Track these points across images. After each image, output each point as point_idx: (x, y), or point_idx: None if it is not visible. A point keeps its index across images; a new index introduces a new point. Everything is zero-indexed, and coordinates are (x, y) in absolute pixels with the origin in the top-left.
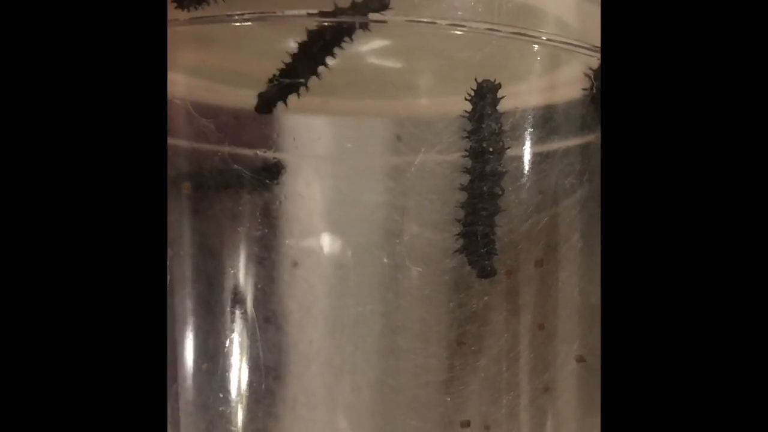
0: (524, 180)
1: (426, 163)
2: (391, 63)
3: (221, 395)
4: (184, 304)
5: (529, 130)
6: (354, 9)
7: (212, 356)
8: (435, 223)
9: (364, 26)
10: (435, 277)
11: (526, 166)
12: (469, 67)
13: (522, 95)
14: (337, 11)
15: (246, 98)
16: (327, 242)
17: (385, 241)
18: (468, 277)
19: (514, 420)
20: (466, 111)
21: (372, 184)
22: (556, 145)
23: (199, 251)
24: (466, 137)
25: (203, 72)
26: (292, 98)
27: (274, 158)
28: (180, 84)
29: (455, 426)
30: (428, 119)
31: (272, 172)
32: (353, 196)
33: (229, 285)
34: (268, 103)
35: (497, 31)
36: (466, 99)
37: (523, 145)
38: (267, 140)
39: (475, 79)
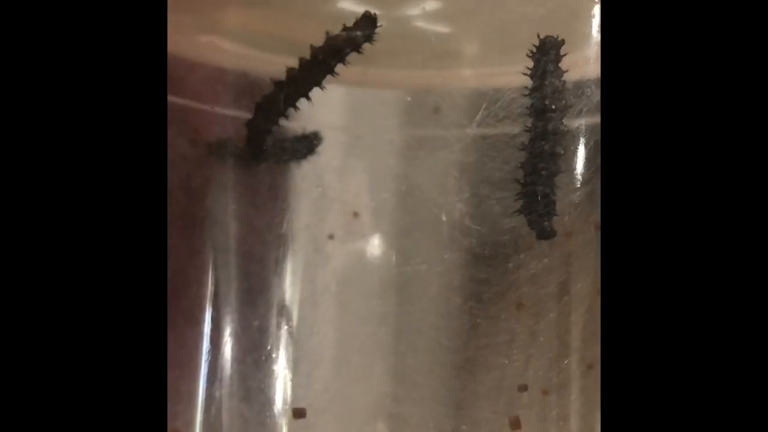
0: (585, 140)
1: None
2: (441, 27)
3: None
4: (225, 278)
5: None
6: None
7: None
8: (495, 181)
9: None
10: (494, 236)
11: (588, 127)
12: (530, 23)
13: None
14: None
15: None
16: (372, 207)
17: (443, 199)
18: (528, 238)
19: (573, 385)
20: (527, 67)
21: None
22: None
23: (237, 225)
24: (527, 95)
25: (250, 38)
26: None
27: (312, 130)
28: (229, 51)
29: (512, 390)
30: (473, 90)
31: (310, 143)
32: (390, 164)
33: (270, 259)
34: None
35: None
36: (527, 55)
37: (585, 107)
38: (301, 111)
39: (538, 35)
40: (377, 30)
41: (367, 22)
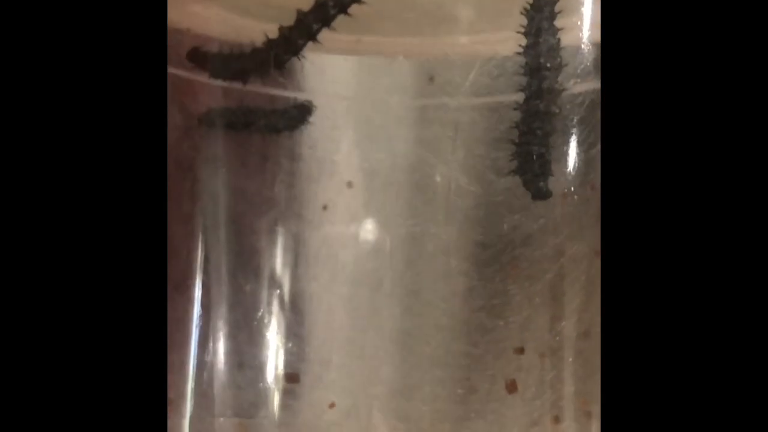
0: (581, 101)
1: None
2: None
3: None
4: (216, 246)
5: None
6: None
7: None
8: (489, 142)
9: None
10: (489, 197)
11: (584, 90)
12: None
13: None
14: None
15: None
16: (367, 173)
17: (438, 162)
18: (523, 199)
19: (570, 349)
20: (522, 26)
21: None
22: None
23: (229, 193)
24: (521, 53)
25: (237, 6)
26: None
27: (305, 99)
28: (214, 20)
29: (508, 352)
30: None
31: (303, 112)
32: (385, 131)
33: (261, 227)
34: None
35: None
36: (521, 13)
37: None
38: (294, 80)
39: None
40: None
41: None
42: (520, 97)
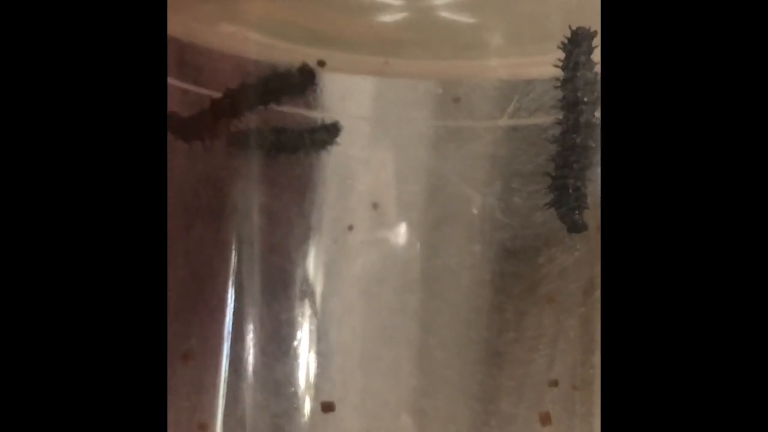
0: None
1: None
2: (467, 18)
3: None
4: (248, 270)
5: None
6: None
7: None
8: (526, 175)
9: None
10: (524, 231)
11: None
12: (563, 12)
13: None
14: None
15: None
16: (394, 198)
17: (468, 190)
18: (559, 232)
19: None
20: (559, 59)
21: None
22: None
23: (260, 214)
24: (559, 87)
25: (274, 28)
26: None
27: (331, 120)
28: (253, 41)
29: (542, 385)
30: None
31: (329, 133)
32: (413, 154)
33: (292, 250)
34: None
35: None
36: (558, 47)
37: None
38: (319, 100)
39: (569, 26)
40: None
41: (307, 73)
42: (556, 128)
